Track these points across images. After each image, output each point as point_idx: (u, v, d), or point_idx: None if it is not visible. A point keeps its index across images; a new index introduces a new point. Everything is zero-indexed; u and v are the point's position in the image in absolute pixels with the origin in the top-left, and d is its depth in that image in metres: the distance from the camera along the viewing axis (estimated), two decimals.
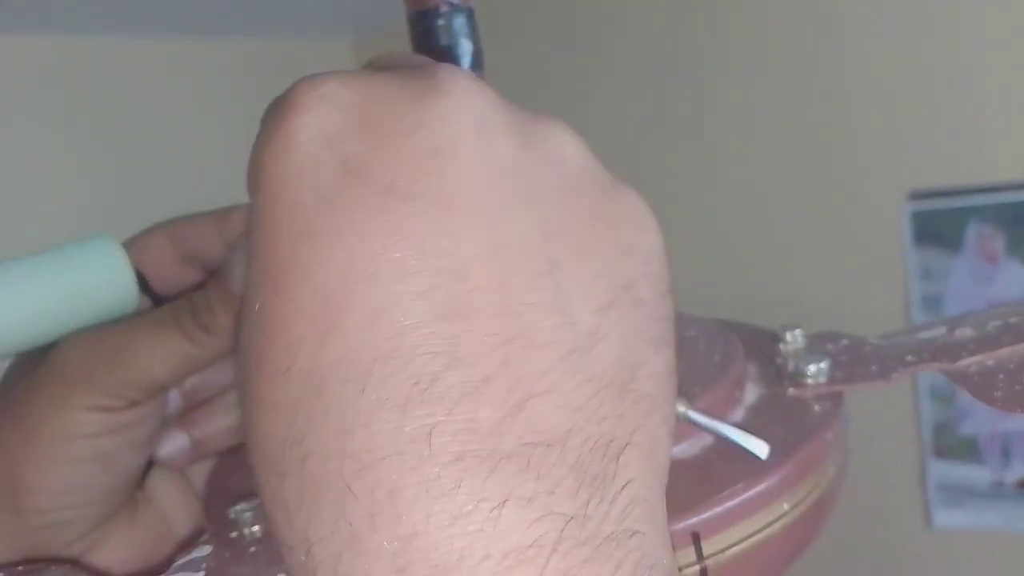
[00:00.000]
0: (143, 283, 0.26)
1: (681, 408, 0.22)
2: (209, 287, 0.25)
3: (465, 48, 0.25)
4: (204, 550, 0.23)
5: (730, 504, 0.21)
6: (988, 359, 0.24)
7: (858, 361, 0.27)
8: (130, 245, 0.27)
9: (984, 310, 0.28)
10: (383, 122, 0.14)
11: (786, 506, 0.22)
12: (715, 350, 0.28)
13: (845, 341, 0.29)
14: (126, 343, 0.24)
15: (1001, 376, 0.24)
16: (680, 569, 0.20)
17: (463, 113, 0.15)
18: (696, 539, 0.20)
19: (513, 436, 0.13)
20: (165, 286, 0.27)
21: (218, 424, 0.27)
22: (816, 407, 0.26)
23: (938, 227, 0.95)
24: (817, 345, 0.30)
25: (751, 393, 0.27)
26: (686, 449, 0.23)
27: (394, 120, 0.14)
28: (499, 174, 0.15)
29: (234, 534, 0.23)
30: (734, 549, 0.21)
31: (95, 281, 0.25)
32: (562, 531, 0.12)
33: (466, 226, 0.14)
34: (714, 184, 1.08)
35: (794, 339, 0.29)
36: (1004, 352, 0.24)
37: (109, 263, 0.25)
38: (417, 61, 0.17)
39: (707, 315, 0.33)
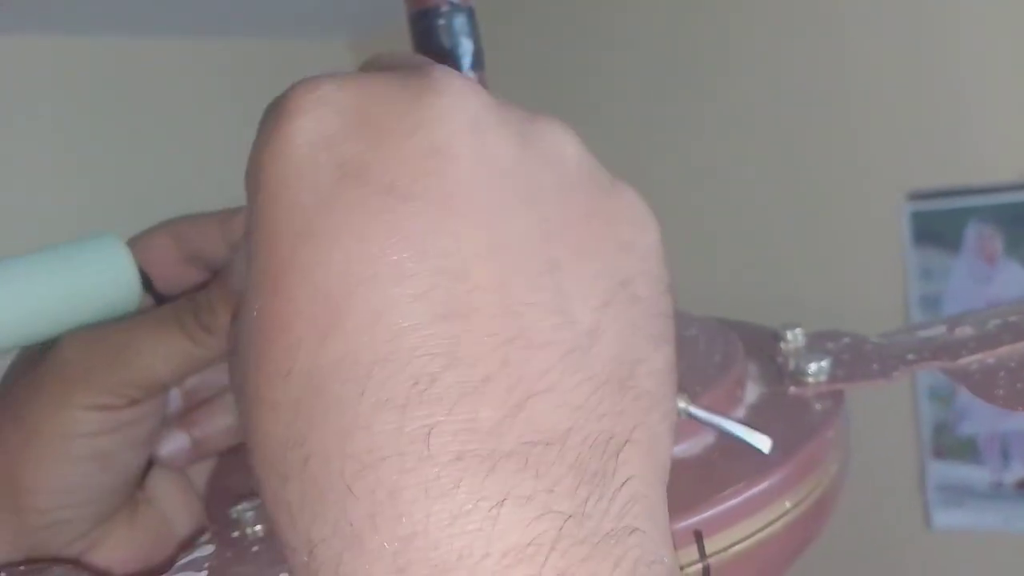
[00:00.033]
0: (146, 282, 0.26)
1: (682, 404, 0.22)
2: (212, 287, 0.25)
3: (466, 47, 0.25)
4: (206, 550, 0.23)
5: (732, 503, 0.21)
6: (989, 357, 0.25)
7: (859, 360, 0.27)
8: (133, 244, 0.27)
9: (984, 309, 0.28)
10: (380, 123, 0.14)
11: (788, 504, 0.22)
12: (716, 349, 0.28)
13: (846, 340, 0.30)
14: (127, 341, 0.24)
15: (1002, 374, 0.24)
16: (683, 567, 0.20)
17: (458, 113, 0.15)
18: (699, 537, 0.20)
19: (513, 435, 0.13)
20: (168, 286, 0.27)
21: (218, 424, 0.27)
22: (817, 406, 0.26)
23: (937, 227, 0.95)
24: (818, 344, 0.30)
25: (752, 392, 0.27)
26: (688, 448, 0.23)
27: (391, 121, 0.14)
28: (497, 173, 0.15)
29: (236, 534, 0.23)
30: (737, 547, 0.21)
31: (98, 278, 0.25)
32: (560, 529, 0.12)
33: (465, 226, 0.14)
34: (713, 184, 1.08)
35: (795, 338, 0.29)
36: (1004, 350, 0.24)
37: (112, 261, 0.25)
38: (413, 61, 0.17)
39: (706, 314, 0.33)
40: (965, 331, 0.26)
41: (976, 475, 0.97)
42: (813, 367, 0.26)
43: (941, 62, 0.92)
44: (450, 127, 0.14)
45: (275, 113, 0.15)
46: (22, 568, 0.23)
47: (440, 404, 0.12)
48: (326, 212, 0.14)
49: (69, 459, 0.24)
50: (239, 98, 1.10)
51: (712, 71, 1.06)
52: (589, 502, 0.13)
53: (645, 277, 0.16)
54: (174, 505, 0.28)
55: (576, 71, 1.15)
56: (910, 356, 0.26)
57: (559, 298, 0.14)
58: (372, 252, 0.13)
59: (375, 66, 0.18)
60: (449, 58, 0.25)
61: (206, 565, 0.22)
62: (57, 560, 0.24)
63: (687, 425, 0.23)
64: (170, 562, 0.26)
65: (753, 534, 0.21)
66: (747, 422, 0.23)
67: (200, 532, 0.28)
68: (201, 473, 0.29)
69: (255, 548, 0.23)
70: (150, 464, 0.27)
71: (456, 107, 0.15)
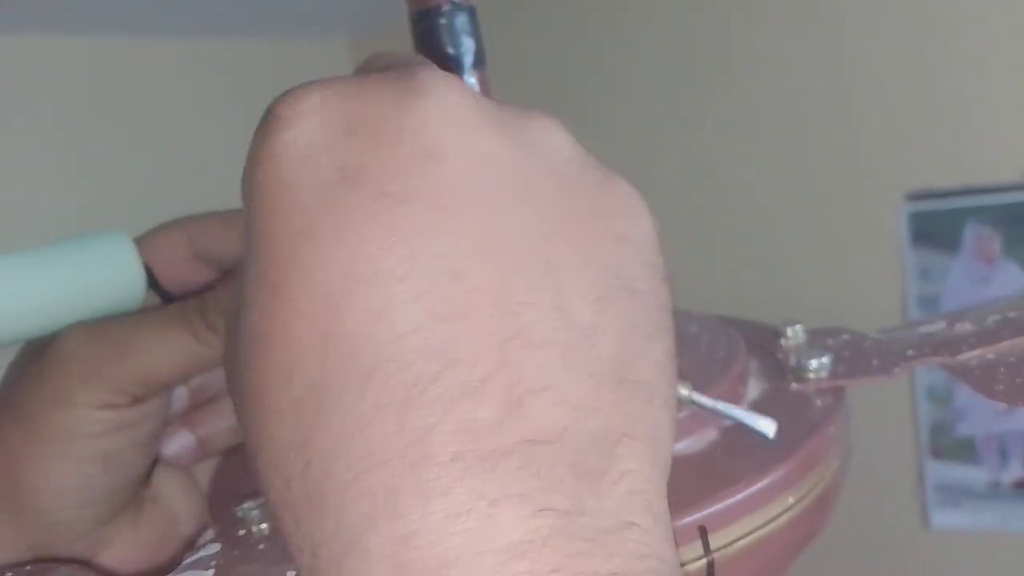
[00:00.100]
0: (152, 280, 0.26)
1: (684, 391, 0.22)
2: (219, 287, 0.25)
3: (467, 47, 0.25)
4: (212, 548, 0.23)
5: (736, 498, 0.21)
6: (988, 353, 0.25)
7: (859, 356, 0.28)
8: (142, 242, 0.26)
9: (983, 304, 0.28)
10: (373, 127, 0.15)
11: (791, 500, 0.22)
12: (718, 346, 0.28)
13: (846, 336, 0.30)
14: (131, 337, 0.24)
15: (1002, 370, 0.24)
16: (688, 563, 0.20)
17: (445, 114, 0.15)
18: (703, 533, 0.20)
19: (511, 435, 0.13)
20: (178, 285, 0.27)
21: (223, 423, 0.27)
22: (818, 402, 0.26)
23: (936, 228, 0.95)
24: (818, 340, 0.30)
25: (754, 388, 0.27)
26: (691, 444, 0.24)
27: (382, 125, 0.15)
28: (490, 172, 0.15)
29: (242, 532, 0.23)
30: (741, 542, 0.21)
31: (102, 273, 0.25)
32: (555, 525, 0.12)
33: (462, 226, 0.14)
34: (713, 184, 1.08)
35: (795, 335, 0.29)
36: (1004, 346, 0.25)
37: (117, 256, 0.25)
38: (407, 61, 0.17)
39: (707, 313, 0.33)
40: (965, 327, 0.26)
41: (974, 475, 0.97)
42: (814, 363, 0.27)
43: (940, 63, 0.92)
44: (437, 128, 0.14)
45: (271, 119, 0.15)
46: (28, 568, 0.23)
47: (439, 405, 0.13)
48: (327, 213, 0.14)
49: (72, 459, 0.23)
50: (239, 98, 1.10)
51: (712, 71, 1.06)
52: (585, 498, 0.13)
53: (642, 269, 0.16)
54: (179, 504, 0.28)
55: (576, 71, 1.15)
56: (910, 352, 0.27)
57: (557, 295, 0.14)
58: (372, 252, 0.13)
59: (370, 67, 0.18)
60: (451, 57, 0.25)
61: (212, 563, 0.22)
62: (63, 560, 0.24)
63: (690, 422, 0.24)
64: (176, 561, 0.26)
65: (757, 529, 0.21)
66: (750, 407, 0.23)
67: (202, 530, 0.28)
68: (205, 472, 0.29)
69: (261, 546, 0.22)
70: (154, 463, 0.27)
71: (443, 107, 0.15)
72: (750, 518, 0.21)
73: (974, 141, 0.91)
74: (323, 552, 0.13)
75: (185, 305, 0.25)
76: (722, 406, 0.23)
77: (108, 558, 0.25)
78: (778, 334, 0.29)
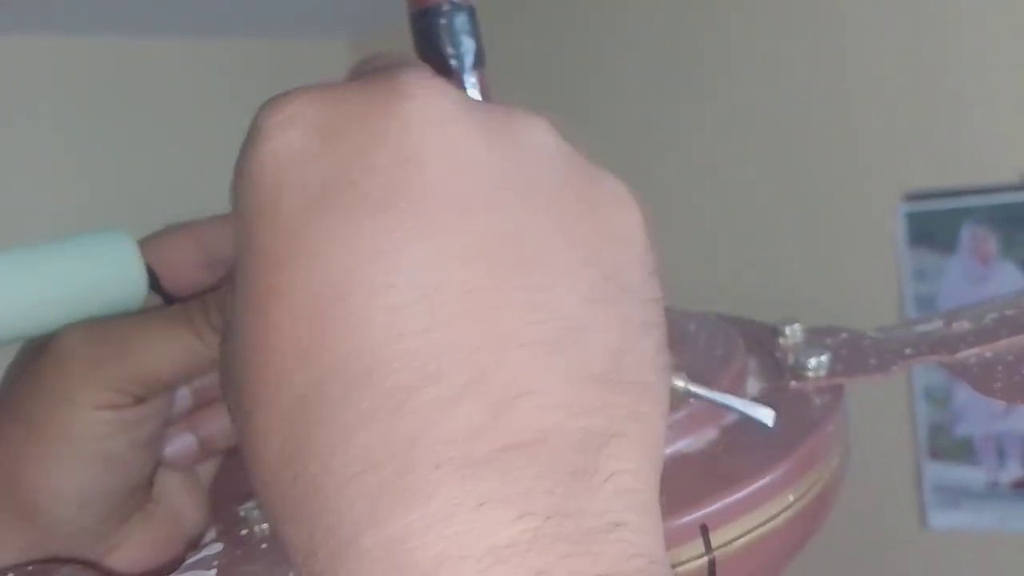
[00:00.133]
0: (154, 281, 0.26)
1: (680, 383, 0.22)
2: (224, 288, 0.25)
3: (467, 46, 0.25)
4: (215, 548, 0.23)
5: (737, 496, 0.21)
6: (986, 351, 0.25)
7: (857, 354, 0.28)
8: (148, 243, 0.26)
9: (980, 303, 0.28)
10: (350, 136, 0.14)
11: (791, 497, 0.22)
12: (716, 344, 0.28)
13: (844, 335, 0.30)
14: (132, 335, 0.24)
15: (1000, 368, 0.24)
16: (690, 560, 0.20)
17: (426, 116, 0.15)
18: (704, 531, 0.21)
19: (494, 441, 0.13)
20: (186, 288, 0.27)
21: (224, 424, 0.27)
22: (817, 400, 0.26)
23: (932, 228, 0.96)
24: (816, 339, 0.30)
25: (753, 387, 0.27)
26: (691, 443, 0.24)
27: (360, 132, 0.14)
28: (471, 175, 0.14)
29: (244, 532, 0.23)
30: (741, 540, 0.21)
31: (103, 271, 0.25)
32: (538, 529, 0.12)
33: (441, 233, 0.14)
34: (713, 184, 1.08)
35: (793, 333, 0.29)
36: (1002, 344, 0.25)
37: (118, 255, 0.25)
38: (392, 63, 0.17)
39: (705, 311, 0.33)
40: (962, 325, 0.27)
41: (972, 476, 0.97)
42: (813, 362, 0.27)
43: (939, 64, 0.92)
44: (419, 132, 0.14)
45: (253, 130, 0.15)
46: (30, 568, 0.23)
47: (420, 415, 0.13)
48: (302, 233, 0.14)
49: (73, 460, 0.23)
50: (239, 98, 1.10)
51: (712, 71, 1.06)
52: (569, 500, 0.13)
53: (631, 264, 0.16)
54: (185, 504, 0.27)
55: (576, 71, 1.15)
56: (908, 351, 0.27)
57: (541, 295, 0.14)
58: (350, 267, 0.13)
59: (361, 71, 0.18)
60: (450, 57, 0.25)
61: (215, 563, 0.22)
62: (64, 560, 0.24)
63: (690, 421, 0.24)
64: (178, 561, 0.26)
65: (757, 527, 0.21)
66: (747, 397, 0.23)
67: (207, 529, 0.28)
68: (208, 471, 0.29)
69: (263, 546, 0.23)
70: (159, 464, 0.27)
71: (424, 109, 0.15)
72: (750, 516, 0.21)
73: (972, 142, 0.92)
74: (314, 561, 0.13)
75: (188, 306, 0.25)
76: (720, 397, 0.23)
77: (117, 560, 0.25)
78: (776, 333, 0.30)
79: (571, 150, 0.16)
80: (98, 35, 1.02)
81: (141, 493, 0.26)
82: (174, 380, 0.24)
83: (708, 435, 0.24)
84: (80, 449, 0.23)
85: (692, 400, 0.23)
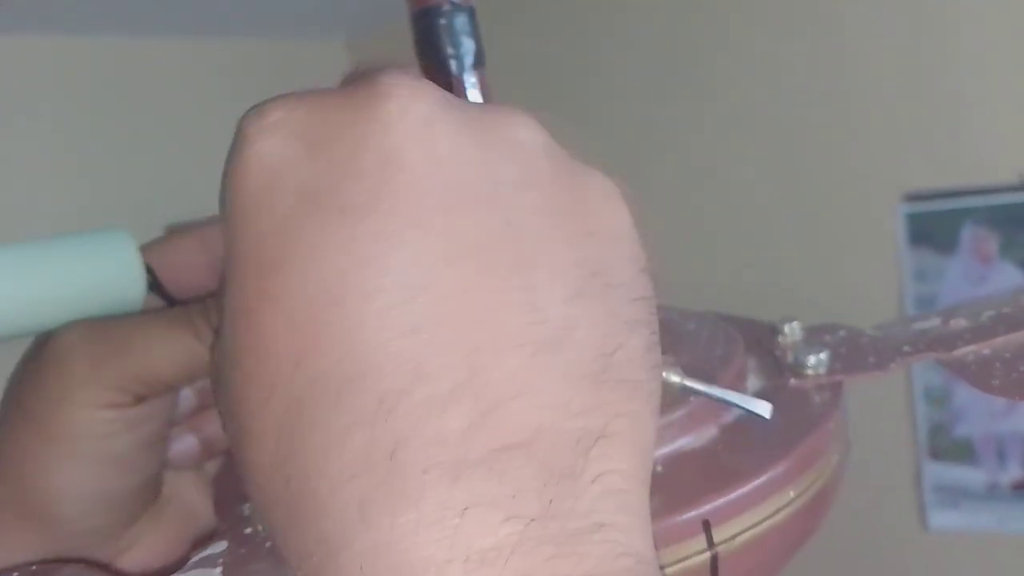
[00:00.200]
0: (155, 282, 0.26)
1: (676, 378, 0.23)
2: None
3: (467, 47, 0.25)
4: (219, 546, 0.23)
5: (739, 493, 0.21)
6: (984, 348, 0.25)
7: (856, 352, 0.28)
8: (155, 246, 0.26)
9: (978, 300, 0.28)
10: (332, 142, 0.14)
11: (792, 494, 0.22)
12: (716, 343, 0.28)
13: (842, 333, 0.30)
14: (131, 334, 0.24)
15: (997, 365, 0.24)
16: (692, 556, 0.21)
17: (407, 117, 0.14)
18: (707, 527, 0.21)
19: (479, 444, 0.13)
20: (191, 291, 0.27)
21: None
22: (817, 398, 0.26)
23: (933, 229, 0.96)
24: (815, 337, 0.30)
25: (752, 385, 0.28)
26: (693, 441, 0.24)
27: (342, 138, 0.14)
28: (453, 175, 0.14)
29: (248, 530, 0.23)
30: (743, 536, 0.21)
31: (102, 271, 0.25)
32: (523, 532, 0.12)
33: (425, 235, 0.14)
34: (713, 184, 1.08)
35: (792, 331, 0.30)
36: (999, 341, 0.25)
37: (118, 255, 0.25)
38: (378, 67, 0.17)
39: (705, 310, 0.33)
40: (960, 323, 0.27)
41: (972, 476, 0.97)
42: (812, 360, 0.27)
43: (938, 65, 0.92)
44: (400, 134, 0.14)
45: (237, 137, 0.15)
46: (33, 568, 0.23)
47: (407, 419, 0.13)
48: (288, 240, 0.14)
49: (78, 460, 0.23)
50: (239, 98, 1.09)
51: (712, 71, 1.06)
52: (555, 502, 0.13)
53: (619, 261, 0.16)
54: (195, 501, 0.28)
55: (576, 71, 1.15)
56: (906, 348, 0.27)
57: (528, 295, 0.14)
58: (338, 272, 0.13)
59: (350, 78, 0.18)
60: (450, 58, 0.25)
61: (220, 561, 0.22)
62: (67, 560, 0.24)
63: (691, 419, 0.24)
64: (183, 559, 0.26)
65: (759, 523, 0.22)
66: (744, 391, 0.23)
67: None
68: (213, 469, 0.29)
69: (268, 544, 0.23)
70: (165, 464, 0.27)
71: (405, 110, 0.15)
72: (752, 512, 0.22)
73: (972, 142, 0.92)
74: (308, 563, 0.13)
75: (190, 308, 0.25)
76: (717, 391, 0.23)
77: (129, 561, 0.25)
78: (775, 331, 0.30)
79: (558, 147, 0.16)
80: (98, 35, 1.02)
81: (149, 493, 0.26)
82: (175, 380, 0.24)
83: (709, 433, 0.24)
84: (83, 448, 0.23)
85: (691, 397, 0.23)
